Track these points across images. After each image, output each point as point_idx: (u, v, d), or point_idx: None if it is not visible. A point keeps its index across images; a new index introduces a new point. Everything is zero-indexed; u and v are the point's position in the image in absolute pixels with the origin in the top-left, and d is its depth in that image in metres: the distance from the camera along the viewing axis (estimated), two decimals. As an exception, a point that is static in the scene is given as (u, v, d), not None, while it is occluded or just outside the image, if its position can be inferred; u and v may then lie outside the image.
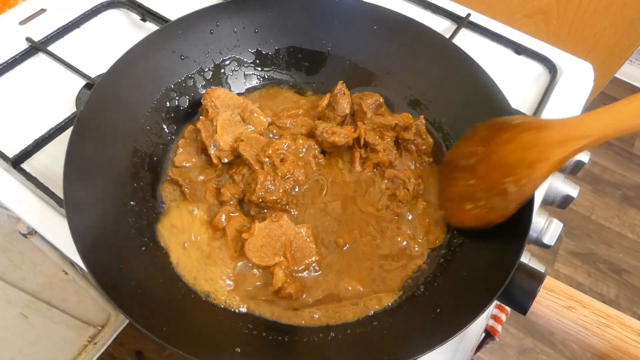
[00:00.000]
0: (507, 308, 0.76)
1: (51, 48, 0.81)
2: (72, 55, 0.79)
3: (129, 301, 0.48)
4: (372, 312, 0.56)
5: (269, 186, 0.61)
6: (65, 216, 0.49)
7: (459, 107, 0.69)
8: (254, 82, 0.77)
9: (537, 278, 0.49)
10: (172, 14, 0.83)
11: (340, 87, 0.69)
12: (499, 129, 0.58)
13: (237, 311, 0.55)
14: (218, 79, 0.74)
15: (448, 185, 0.65)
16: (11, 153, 0.66)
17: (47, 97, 0.77)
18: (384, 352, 0.49)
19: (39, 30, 0.82)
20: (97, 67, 0.76)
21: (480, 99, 0.67)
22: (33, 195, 0.64)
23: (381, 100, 0.70)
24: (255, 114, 0.69)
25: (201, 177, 0.66)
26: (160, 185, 0.64)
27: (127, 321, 1.14)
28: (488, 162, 0.58)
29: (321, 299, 0.57)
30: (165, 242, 0.59)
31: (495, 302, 0.51)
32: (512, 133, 0.56)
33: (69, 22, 0.84)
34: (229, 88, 0.74)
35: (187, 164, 0.66)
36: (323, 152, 0.69)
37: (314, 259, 0.59)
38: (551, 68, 0.86)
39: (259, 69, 0.77)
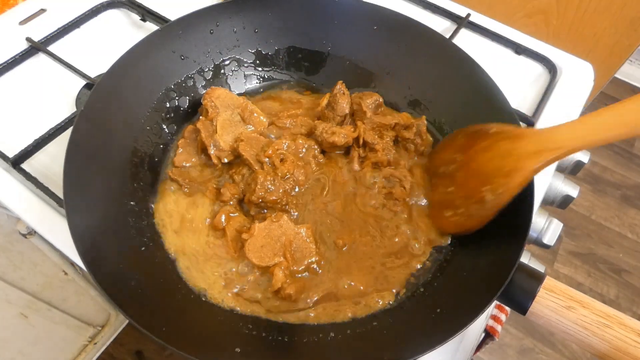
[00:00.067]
0: (507, 308, 0.76)
1: (51, 48, 0.81)
2: (72, 55, 0.79)
3: (129, 301, 0.48)
4: (373, 311, 0.56)
5: (269, 186, 0.61)
6: (65, 216, 0.49)
7: (459, 107, 0.69)
8: (254, 82, 0.77)
9: (537, 278, 0.49)
10: (172, 14, 0.83)
11: (340, 87, 0.70)
12: (477, 137, 0.59)
13: (237, 311, 0.55)
14: (218, 79, 0.74)
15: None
16: (11, 153, 0.66)
17: (47, 97, 0.77)
18: (384, 352, 0.49)
19: (39, 30, 0.82)
20: (97, 67, 0.76)
21: (480, 99, 0.67)
22: (33, 195, 0.64)
23: (381, 100, 0.70)
24: (255, 114, 0.69)
25: (201, 177, 0.66)
26: (160, 185, 0.64)
27: (127, 321, 1.14)
28: (466, 170, 0.59)
29: (320, 298, 0.57)
30: (165, 242, 0.59)
31: (495, 302, 0.51)
32: (490, 142, 0.57)
33: (69, 22, 0.84)
34: (229, 88, 0.74)
35: (187, 164, 0.66)
36: (323, 151, 0.69)
37: (314, 259, 0.59)
38: (551, 68, 0.86)
39: (259, 69, 0.77)
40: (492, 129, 0.57)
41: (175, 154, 0.67)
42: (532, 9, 1.33)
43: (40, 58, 0.81)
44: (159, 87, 0.68)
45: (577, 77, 0.85)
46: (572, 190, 0.75)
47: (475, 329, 0.64)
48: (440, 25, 0.93)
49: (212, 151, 0.65)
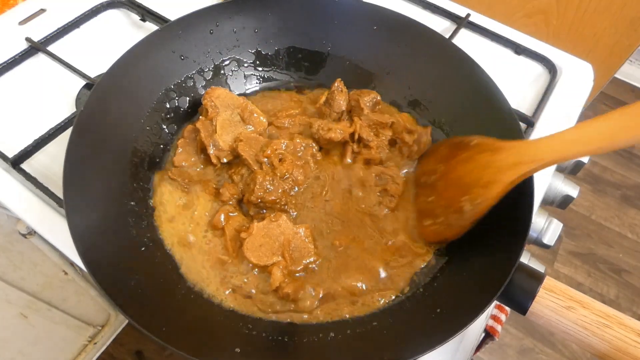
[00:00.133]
0: (507, 308, 0.76)
1: (51, 48, 0.81)
2: (72, 55, 0.79)
3: (129, 301, 0.48)
4: (374, 310, 0.56)
5: (268, 186, 0.61)
6: (65, 216, 0.49)
7: (459, 107, 0.69)
8: (254, 82, 0.77)
9: (536, 278, 0.49)
10: (172, 14, 0.83)
11: (338, 84, 0.70)
12: (458, 149, 0.60)
13: (237, 311, 0.55)
14: (218, 79, 0.74)
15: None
16: (11, 153, 0.66)
17: (47, 97, 0.77)
18: (384, 352, 0.49)
19: (38, 30, 0.82)
20: (97, 67, 0.76)
21: (480, 99, 0.67)
22: (33, 195, 0.64)
23: (378, 97, 0.71)
24: (255, 114, 0.69)
25: (200, 177, 0.66)
26: (158, 184, 0.64)
27: (127, 321, 1.14)
28: (447, 180, 0.60)
29: (320, 298, 0.57)
30: (165, 242, 0.59)
31: (495, 302, 0.51)
32: (471, 153, 0.58)
33: (69, 22, 0.84)
34: (229, 88, 0.74)
35: (186, 164, 0.66)
36: (321, 148, 0.69)
37: (312, 259, 0.59)
38: (551, 68, 0.86)
39: (259, 69, 0.77)
40: (473, 141, 0.59)
41: (174, 153, 0.67)
42: (532, 9, 1.33)
43: (40, 58, 0.81)
44: (159, 87, 0.68)
45: (577, 77, 0.85)
46: (572, 190, 0.75)
47: (475, 329, 0.64)
48: (440, 25, 0.93)
49: (211, 151, 0.65)
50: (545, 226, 0.70)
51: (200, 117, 0.68)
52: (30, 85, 0.78)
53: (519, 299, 0.49)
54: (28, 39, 0.81)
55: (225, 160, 0.66)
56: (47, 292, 1.09)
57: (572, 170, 0.79)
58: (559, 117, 0.79)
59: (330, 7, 0.75)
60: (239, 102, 0.69)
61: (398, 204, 0.65)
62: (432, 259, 0.61)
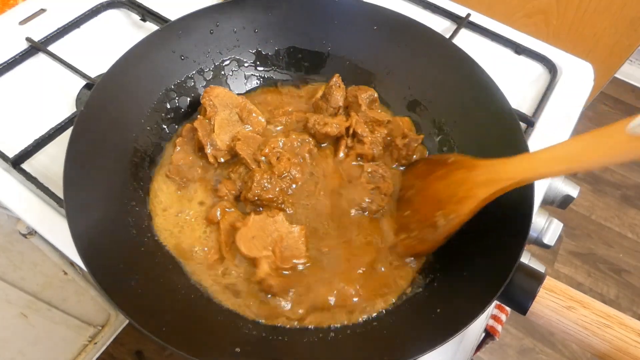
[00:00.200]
0: (507, 308, 0.76)
1: (51, 48, 0.81)
2: (72, 55, 0.79)
3: (129, 301, 0.48)
4: (373, 314, 0.56)
5: (266, 184, 0.61)
6: (65, 216, 0.49)
7: (459, 107, 0.69)
8: (254, 82, 0.77)
9: (537, 278, 0.49)
10: (172, 14, 0.83)
11: (336, 80, 0.70)
12: (435, 165, 0.62)
13: (236, 311, 0.55)
14: (218, 79, 0.74)
15: None
16: (11, 153, 0.66)
17: (47, 97, 0.77)
18: (384, 352, 0.49)
19: (39, 30, 0.82)
20: (97, 67, 0.76)
21: (480, 99, 0.67)
22: (33, 195, 0.64)
23: (375, 95, 0.71)
24: (253, 114, 0.69)
25: (198, 176, 0.65)
26: (157, 183, 0.64)
27: (127, 321, 1.14)
28: (423, 196, 0.62)
29: (309, 307, 0.56)
30: (165, 242, 0.59)
31: (495, 302, 0.51)
32: (447, 170, 0.60)
33: (69, 22, 0.84)
34: (229, 88, 0.74)
35: (184, 163, 0.66)
36: (318, 143, 0.69)
37: (302, 260, 0.59)
38: (551, 68, 0.86)
39: (259, 69, 0.77)
40: (451, 158, 0.61)
41: (173, 152, 0.67)
42: (532, 9, 1.33)
43: (40, 58, 0.81)
44: (159, 87, 0.68)
45: (577, 77, 0.85)
46: (572, 190, 0.75)
47: (475, 329, 0.64)
48: (440, 25, 0.93)
49: (208, 150, 0.65)
50: (545, 226, 0.70)
51: (199, 116, 0.68)
52: (31, 85, 0.78)
53: (519, 299, 0.49)
54: (28, 39, 0.81)
55: (222, 160, 0.66)
56: (47, 292, 1.09)
57: (572, 170, 0.79)
58: (559, 117, 0.79)
59: (330, 7, 0.75)
60: (237, 101, 0.69)
61: (390, 204, 0.65)
62: (431, 259, 0.61)
